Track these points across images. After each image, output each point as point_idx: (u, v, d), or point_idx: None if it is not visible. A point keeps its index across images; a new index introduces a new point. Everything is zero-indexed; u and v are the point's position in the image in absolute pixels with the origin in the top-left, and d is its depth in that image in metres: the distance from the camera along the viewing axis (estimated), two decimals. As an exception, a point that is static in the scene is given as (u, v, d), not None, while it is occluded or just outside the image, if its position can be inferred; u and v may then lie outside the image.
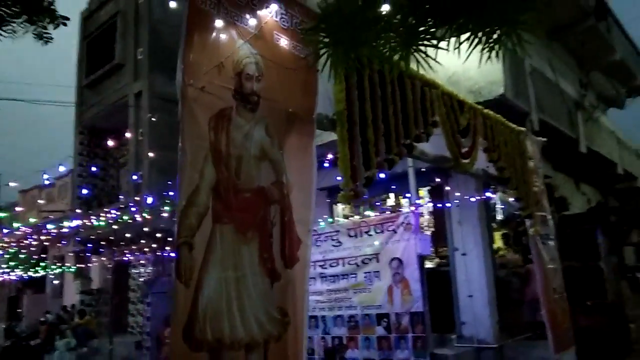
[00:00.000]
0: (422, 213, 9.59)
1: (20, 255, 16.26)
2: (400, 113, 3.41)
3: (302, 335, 2.58)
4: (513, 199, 5.19)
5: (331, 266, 8.65)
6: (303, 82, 2.78)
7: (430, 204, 9.27)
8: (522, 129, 5.51)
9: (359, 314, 8.16)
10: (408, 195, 8.31)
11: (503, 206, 9.28)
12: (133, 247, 14.93)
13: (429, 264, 9.36)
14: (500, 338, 8.03)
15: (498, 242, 10.46)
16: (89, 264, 16.19)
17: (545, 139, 6.40)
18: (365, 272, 8.19)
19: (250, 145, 2.50)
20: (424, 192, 9.60)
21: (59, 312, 17.13)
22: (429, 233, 9.39)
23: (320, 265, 8.78)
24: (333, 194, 9.92)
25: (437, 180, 8.48)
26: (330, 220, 9.75)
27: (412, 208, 7.84)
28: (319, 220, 9.28)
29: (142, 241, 14.36)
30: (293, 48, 2.74)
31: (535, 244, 5.61)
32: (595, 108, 10.90)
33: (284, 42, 2.70)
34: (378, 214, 9.10)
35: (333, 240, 8.72)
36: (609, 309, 8.72)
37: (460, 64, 7.72)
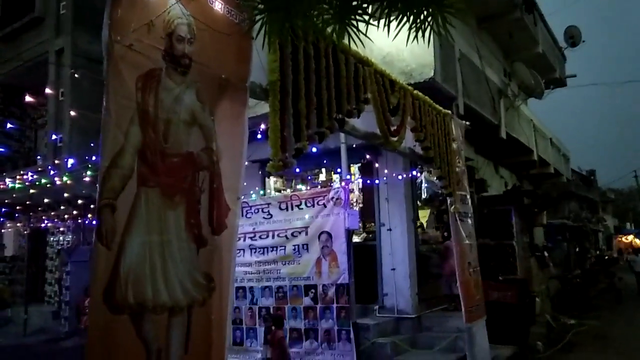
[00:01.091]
0: (352, 189, 9.84)
1: None
2: (333, 87, 3.46)
3: (227, 302, 2.62)
4: (436, 178, 5.45)
5: (261, 238, 8.70)
6: (237, 48, 2.75)
7: (360, 180, 9.51)
8: (448, 112, 5.76)
9: (287, 285, 8.30)
10: (339, 170, 8.47)
11: (427, 185, 9.69)
12: (52, 213, 14.21)
13: (356, 239, 9.67)
14: (419, 309, 8.49)
15: (423, 220, 10.99)
16: (2, 230, 15.21)
17: (468, 123, 6.74)
18: (294, 245, 8.31)
19: (180, 109, 2.46)
20: (354, 168, 9.84)
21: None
22: (357, 209, 9.66)
23: (250, 237, 8.79)
24: (265, 167, 9.89)
25: (368, 157, 8.70)
26: (262, 192, 9.78)
27: (343, 183, 8.01)
28: (251, 192, 9.29)
29: (62, 207, 13.71)
30: (228, 13, 2.70)
31: (454, 221, 5.94)
32: (516, 97, 11.55)
33: (218, 5, 2.65)
34: (309, 188, 9.23)
35: (264, 212, 8.75)
36: (518, 284, 9.44)
37: (394, 45, 7.94)
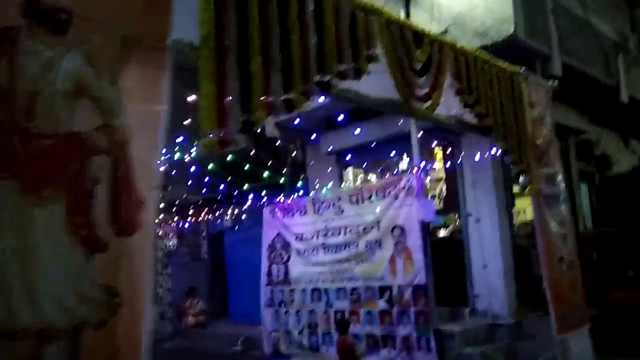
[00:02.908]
0: (431, 177, 8.78)
1: None
2: (311, 41, 2.71)
3: (142, 319, 2.04)
4: (501, 152, 4.36)
5: (333, 235, 8.07)
6: None
7: (440, 166, 8.41)
8: (518, 68, 4.60)
9: (361, 286, 7.56)
10: (410, 156, 7.51)
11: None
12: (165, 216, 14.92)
13: (443, 232, 8.59)
14: (518, 313, 7.21)
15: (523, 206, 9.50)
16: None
17: (555, 83, 5.43)
18: (367, 241, 7.55)
19: (54, 78, 1.92)
20: (438, 151, 8.73)
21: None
22: (438, 199, 8.59)
23: (322, 235, 8.22)
24: (343, 158, 9.27)
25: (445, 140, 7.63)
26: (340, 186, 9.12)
27: (415, 170, 7.05)
28: (325, 186, 8.71)
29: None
30: None
31: (537, 205, 4.77)
32: (641, 52, 9.50)
33: None
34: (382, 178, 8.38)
35: (335, 207, 8.11)
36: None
37: (466, 2, 6.80)
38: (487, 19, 6.42)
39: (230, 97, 2.22)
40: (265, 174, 7.99)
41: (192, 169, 7.50)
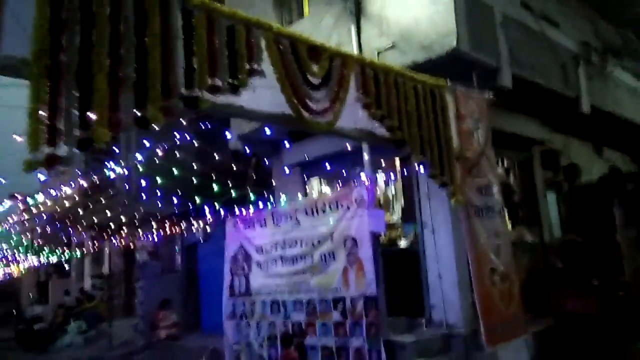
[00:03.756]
0: (394, 187, 8.75)
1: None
2: (176, 56, 2.69)
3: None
4: (417, 164, 4.33)
5: (290, 247, 8.03)
6: None
7: (397, 177, 8.39)
8: (441, 81, 4.59)
9: (317, 298, 7.52)
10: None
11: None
12: (136, 231, 14.92)
13: (402, 243, 8.54)
14: (474, 322, 7.13)
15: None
16: (96, 249, 16.40)
17: (489, 94, 5.42)
18: (321, 253, 7.52)
19: None
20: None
21: (77, 295, 17.57)
22: (388, 209, 8.56)
23: (280, 247, 8.19)
24: (308, 170, 9.26)
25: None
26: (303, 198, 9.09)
27: (366, 181, 7.03)
28: (288, 198, 8.68)
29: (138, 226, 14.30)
30: None
31: (466, 216, 4.73)
32: (605, 62, 9.48)
33: None
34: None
35: (292, 219, 8.08)
36: (605, 289, 7.60)
37: (412, 16, 6.81)
38: (431, 32, 6.42)
39: (63, 115, 2.19)
40: (218, 188, 8.00)
41: (143, 183, 7.50)
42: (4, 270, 22.73)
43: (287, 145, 8.04)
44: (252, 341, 8.43)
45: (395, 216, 8.63)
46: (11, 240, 17.02)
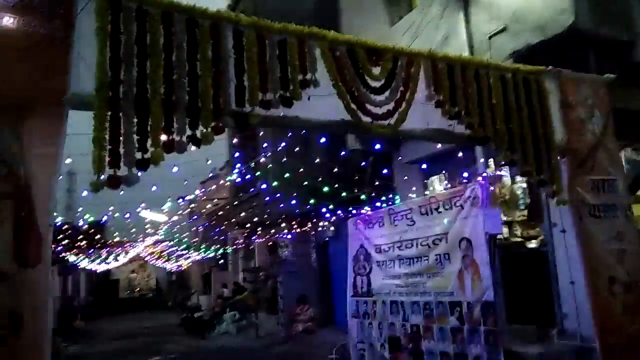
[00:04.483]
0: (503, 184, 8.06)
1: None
2: (226, 77, 2.89)
3: (44, 337, 2.41)
4: (503, 164, 3.96)
5: (407, 247, 7.87)
6: (45, 60, 2.53)
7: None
8: (541, 68, 4.15)
9: (433, 301, 7.26)
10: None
11: (628, 166, 7.16)
12: (278, 228, 15.93)
13: (532, 244, 7.83)
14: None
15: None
16: (244, 245, 17.86)
17: (611, 76, 4.71)
18: (436, 254, 7.24)
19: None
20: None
21: (233, 287, 19.36)
22: (498, 208, 7.86)
23: (397, 247, 8.08)
24: (429, 166, 9.00)
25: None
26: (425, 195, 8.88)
27: (480, 178, 6.61)
28: (409, 194, 8.59)
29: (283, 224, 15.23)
30: (25, 25, 2.50)
31: (577, 217, 4.22)
32: None
33: (7, 20, 2.50)
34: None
35: (407, 219, 7.92)
36: None
37: (524, -2, 6.23)
38: (545, 10, 5.81)
39: (123, 140, 2.50)
40: (337, 187, 8.18)
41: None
42: (176, 264, 26.13)
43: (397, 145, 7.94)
44: (374, 341, 8.47)
45: (523, 214, 7.96)
46: (176, 239, 19.46)
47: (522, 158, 3.88)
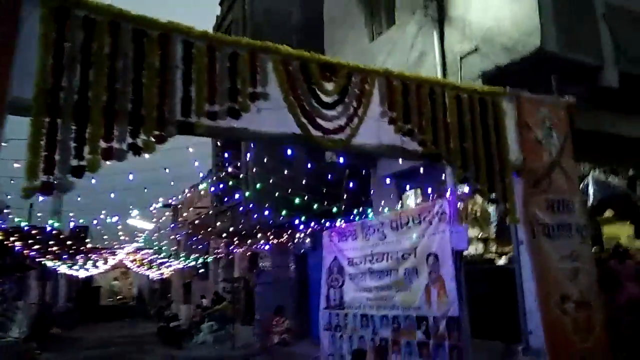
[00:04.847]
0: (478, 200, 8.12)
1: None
2: (173, 87, 2.92)
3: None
4: (460, 181, 4.03)
5: (377, 261, 7.92)
6: None
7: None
8: (499, 89, 4.23)
9: (401, 315, 7.29)
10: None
11: (596, 187, 7.26)
12: (255, 239, 15.91)
13: (501, 261, 7.89)
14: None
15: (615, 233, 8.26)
16: (224, 255, 17.79)
17: (570, 98, 4.81)
18: (405, 269, 7.28)
19: None
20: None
21: (213, 297, 19.22)
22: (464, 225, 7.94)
23: (369, 260, 8.11)
24: (405, 181, 9.06)
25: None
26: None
27: (448, 195, 6.66)
28: (385, 209, 8.62)
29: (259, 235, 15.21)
30: None
31: (531, 235, 4.29)
32: None
33: None
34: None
35: (379, 232, 7.97)
36: None
37: (494, 17, 6.35)
38: (514, 32, 5.92)
39: (59, 147, 2.52)
40: (313, 200, 8.21)
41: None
42: (158, 272, 25.92)
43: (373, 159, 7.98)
44: (345, 354, 8.46)
45: (492, 231, 8.03)
46: (156, 246, 19.35)
47: (475, 176, 3.94)
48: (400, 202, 9.24)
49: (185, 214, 19.41)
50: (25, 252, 13.36)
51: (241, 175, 12.54)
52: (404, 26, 7.72)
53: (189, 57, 3.00)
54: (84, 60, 2.68)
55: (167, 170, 5.63)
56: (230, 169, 15.97)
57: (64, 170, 2.55)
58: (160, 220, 20.88)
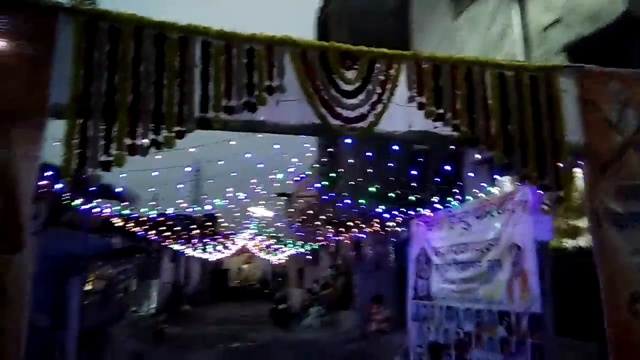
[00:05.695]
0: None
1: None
2: (192, 86, 3.16)
3: (23, 312, 2.83)
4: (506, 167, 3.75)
5: (462, 252, 7.62)
6: (27, 76, 2.90)
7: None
8: (551, 63, 3.87)
9: (484, 309, 6.95)
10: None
11: None
12: (354, 228, 16.06)
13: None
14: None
15: None
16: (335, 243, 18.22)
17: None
18: (488, 261, 6.92)
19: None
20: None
21: (323, 282, 19.87)
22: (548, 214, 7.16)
23: (454, 251, 7.84)
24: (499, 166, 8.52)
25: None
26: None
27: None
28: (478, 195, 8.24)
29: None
30: (11, 47, 2.92)
31: (596, 226, 3.88)
32: None
33: None
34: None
35: (463, 222, 7.63)
36: None
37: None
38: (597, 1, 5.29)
39: (91, 145, 2.89)
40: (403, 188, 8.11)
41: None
42: (276, 258, 27.40)
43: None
44: (432, 345, 8.29)
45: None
46: (268, 233, 20.47)
47: (520, 161, 3.64)
48: (495, 188, 8.71)
49: (295, 204, 20.23)
50: (149, 236, 14.89)
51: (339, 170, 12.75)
52: (484, 1, 7.26)
53: (207, 55, 3.20)
54: (110, 67, 3.01)
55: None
56: (331, 162, 16.28)
57: (94, 165, 2.91)
58: (276, 209, 22.07)
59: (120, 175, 6.04)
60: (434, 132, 3.62)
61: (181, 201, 13.44)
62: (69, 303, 8.57)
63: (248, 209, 20.43)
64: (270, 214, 25.23)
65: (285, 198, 25.13)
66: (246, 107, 3.22)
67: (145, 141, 3.04)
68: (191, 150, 4.70)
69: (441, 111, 3.53)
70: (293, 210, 23.19)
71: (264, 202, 20.44)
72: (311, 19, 19.60)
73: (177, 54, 3.16)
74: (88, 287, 10.25)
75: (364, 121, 3.42)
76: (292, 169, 10.03)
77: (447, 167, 9.02)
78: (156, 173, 5.73)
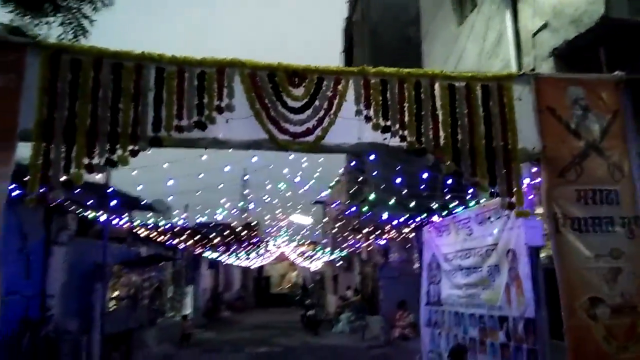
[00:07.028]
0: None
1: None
2: (144, 108, 3.46)
3: None
4: (446, 172, 3.82)
5: (466, 257, 7.60)
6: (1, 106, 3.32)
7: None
8: (505, 73, 3.94)
9: (486, 314, 6.91)
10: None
11: None
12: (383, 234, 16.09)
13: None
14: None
15: None
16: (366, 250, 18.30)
17: (622, 74, 4.15)
18: (489, 266, 6.88)
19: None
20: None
21: (354, 288, 19.96)
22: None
23: (459, 256, 7.82)
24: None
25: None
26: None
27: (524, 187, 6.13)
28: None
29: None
30: None
31: (554, 230, 3.90)
32: None
33: None
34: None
35: (467, 227, 7.61)
36: None
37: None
38: (581, 1, 5.24)
39: (52, 165, 3.24)
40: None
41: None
42: (313, 265, 27.71)
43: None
44: (442, 351, 8.28)
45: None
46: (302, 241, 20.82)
47: (470, 169, 3.72)
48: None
49: (328, 210, 20.50)
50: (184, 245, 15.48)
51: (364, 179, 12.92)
52: (482, 7, 7.26)
53: (161, 80, 3.49)
54: (71, 94, 3.36)
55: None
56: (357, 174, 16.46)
57: (55, 184, 3.25)
58: (313, 216, 22.42)
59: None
60: (383, 143, 3.75)
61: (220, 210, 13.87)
62: (94, 309, 9.16)
63: (289, 217, 20.95)
64: (309, 220, 25.65)
65: (320, 204, 25.52)
66: (197, 126, 3.49)
67: (101, 160, 3.35)
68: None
69: (388, 123, 3.66)
70: (327, 218, 23.50)
71: (300, 208, 20.87)
72: (339, 30, 19.95)
73: (133, 79, 3.46)
74: (115, 293, 10.85)
75: (311, 135, 3.61)
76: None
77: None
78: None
